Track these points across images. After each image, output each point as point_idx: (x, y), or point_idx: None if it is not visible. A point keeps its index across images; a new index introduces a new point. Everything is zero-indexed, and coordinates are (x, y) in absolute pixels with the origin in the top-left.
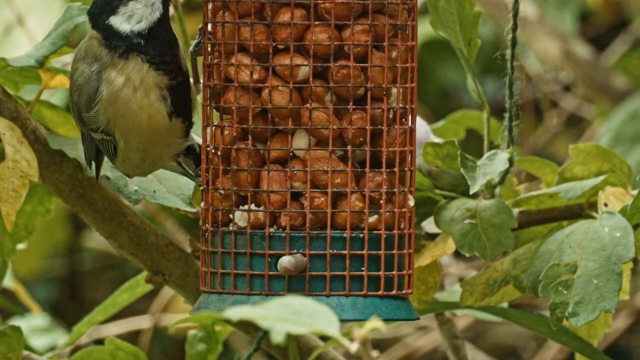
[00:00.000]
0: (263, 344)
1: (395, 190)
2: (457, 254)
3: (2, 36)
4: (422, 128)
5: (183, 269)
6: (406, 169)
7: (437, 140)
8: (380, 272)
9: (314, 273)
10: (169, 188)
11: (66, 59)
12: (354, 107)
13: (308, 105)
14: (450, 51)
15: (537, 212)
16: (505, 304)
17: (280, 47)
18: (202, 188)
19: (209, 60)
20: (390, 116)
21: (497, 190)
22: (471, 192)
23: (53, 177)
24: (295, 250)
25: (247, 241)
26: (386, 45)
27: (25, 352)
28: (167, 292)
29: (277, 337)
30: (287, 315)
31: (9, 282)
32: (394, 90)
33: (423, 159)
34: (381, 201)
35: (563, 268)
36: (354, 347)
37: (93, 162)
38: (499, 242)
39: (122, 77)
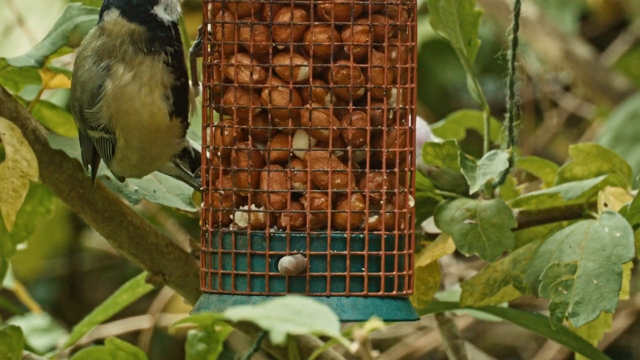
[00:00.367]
0: (263, 344)
1: (395, 190)
2: (457, 254)
3: (2, 36)
4: (422, 128)
5: (183, 269)
6: (406, 169)
7: (437, 140)
8: (380, 273)
9: (314, 273)
10: (169, 188)
11: (66, 59)
12: (353, 107)
13: (308, 105)
14: (450, 51)
15: (537, 212)
16: (505, 304)
17: (280, 47)
18: (202, 189)
19: (209, 60)
20: (390, 117)
21: (497, 190)
22: (471, 192)
23: (53, 177)
24: (295, 251)
25: (247, 242)
26: (386, 46)
27: (25, 352)
28: (167, 292)
29: (277, 337)
30: (287, 315)
31: (9, 282)
32: (394, 91)
33: (423, 159)
34: (381, 202)
35: (563, 268)
36: (354, 347)
37: (90, 165)
38: (499, 242)
39: (131, 73)
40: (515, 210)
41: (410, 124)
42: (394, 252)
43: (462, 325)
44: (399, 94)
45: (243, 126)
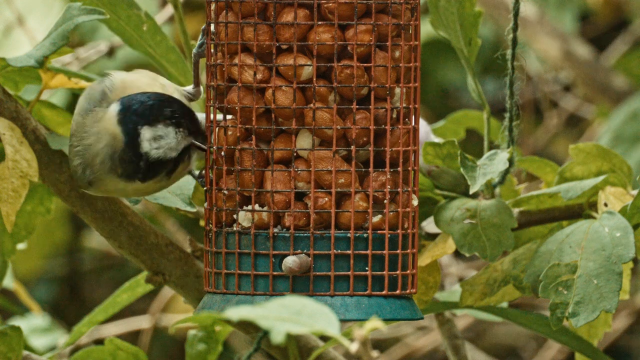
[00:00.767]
0: (263, 344)
1: (399, 190)
2: (457, 254)
3: (2, 36)
4: (422, 128)
5: (183, 269)
6: (410, 168)
7: (437, 140)
8: (384, 272)
9: (318, 273)
10: (169, 188)
11: (66, 59)
12: (357, 107)
13: (312, 105)
14: (450, 51)
15: (537, 212)
16: (505, 304)
17: (284, 47)
18: (205, 188)
19: (212, 60)
20: (394, 116)
21: (497, 190)
22: (471, 192)
23: (53, 177)
24: (299, 251)
25: (251, 241)
26: (389, 45)
27: (25, 352)
28: (167, 292)
29: (277, 337)
30: (287, 315)
31: (9, 282)
32: (398, 90)
33: (423, 158)
34: (385, 201)
35: (563, 268)
36: (354, 347)
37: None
38: (499, 242)
39: (119, 186)
40: (515, 210)
41: (413, 123)
42: (398, 251)
43: (462, 325)
44: (403, 93)
45: (247, 126)
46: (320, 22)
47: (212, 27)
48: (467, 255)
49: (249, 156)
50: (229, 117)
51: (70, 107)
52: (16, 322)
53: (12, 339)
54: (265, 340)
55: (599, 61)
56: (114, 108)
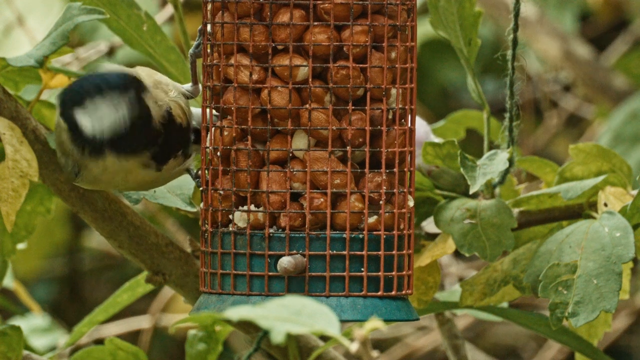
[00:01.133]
0: (263, 344)
1: (394, 190)
2: (457, 254)
3: (2, 36)
4: (422, 128)
5: (183, 269)
6: (406, 169)
7: (437, 140)
8: (379, 273)
9: (313, 274)
10: (169, 188)
11: (66, 59)
12: (353, 107)
13: (307, 105)
14: (450, 51)
15: (537, 212)
16: (505, 304)
17: (280, 47)
18: (201, 189)
19: (209, 61)
20: (390, 117)
21: (497, 190)
22: (471, 192)
23: (53, 176)
24: (294, 251)
25: (246, 242)
26: (385, 46)
27: (26, 352)
28: (167, 292)
29: (277, 337)
30: (287, 315)
31: (9, 282)
32: (394, 91)
33: (423, 158)
34: (381, 202)
35: (563, 268)
36: (354, 347)
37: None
38: (498, 242)
39: (99, 168)
40: (515, 210)
41: (409, 124)
42: (393, 252)
43: (462, 325)
44: (399, 94)
45: (242, 126)
46: (316, 23)
47: (209, 27)
48: (467, 255)
49: (245, 156)
50: (224, 117)
51: None
52: (16, 322)
53: (12, 339)
54: (265, 340)
55: (599, 61)
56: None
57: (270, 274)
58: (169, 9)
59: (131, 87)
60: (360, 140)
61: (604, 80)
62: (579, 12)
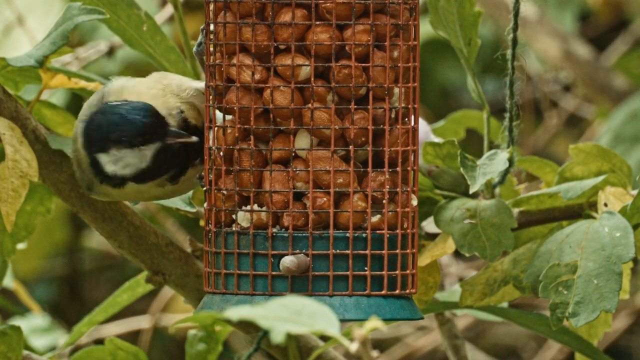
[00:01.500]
0: (263, 344)
1: (397, 190)
2: (457, 254)
3: (2, 36)
4: (422, 128)
5: (183, 269)
6: (409, 168)
7: (437, 140)
8: (383, 272)
9: (316, 273)
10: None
11: (66, 59)
12: (355, 107)
13: (310, 105)
14: (450, 51)
15: (537, 212)
16: (505, 304)
17: (282, 47)
18: (205, 189)
19: (211, 60)
20: (393, 116)
21: (497, 190)
22: (471, 191)
23: (53, 176)
24: (297, 251)
25: (249, 241)
26: (387, 45)
27: (25, 352)
28: (167, 292)
29: (277, 337)
30: (287, 315)
31: (9, 282)
32: (396, 90)
33: (423, 158)
34: (384, 201)
35: (563, 268)
36: (354, 347)
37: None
38: (498, 242)
39: (117, 192)
40: (515, 210)
41: (412, 123)
42: (397, 251)
43: (462, 325)
44: (401, 93)
45: (245, 126)
46: (318, 22)
47: (211, 27)
48: (467, 255)
49: (248, 156)
50: (227, 117)
51: (70, 107)
52: (16, 322)
53: (12, 339)
54: (265, 340)
55: (599, 61)
56: (80, 127)
57: (274, 273)
58: (169, 9)
59: (155, 131)
60: (363, 139)
61: (604, 80)
62: (579, 12)
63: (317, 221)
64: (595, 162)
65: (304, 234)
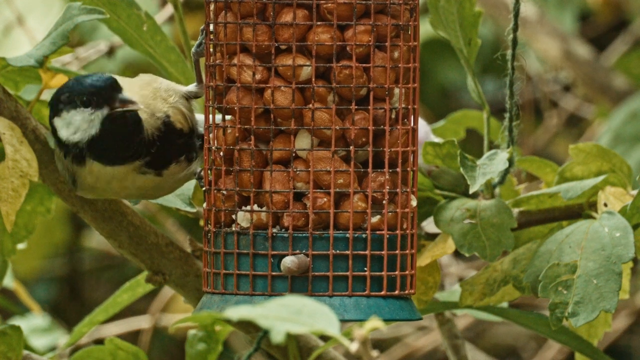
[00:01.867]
0: (263, 344)
1: (397, 190)
2: (457, 254)
3: (2, 36)
4: (422, 128)
5: (183, 268)
6: (408, 169)
7: (437, 140)
8: (383, 273)
9: (316, 273)
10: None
11: (66, 59)
12: (356, 107)
13: (310, 105)
14: (450, 51)
15: (537, 212)
16: (505, 304)
17: (283, 47)
18: (204, 189)
19: (211, 61)
20: (393, 116)
21: (497, 190)
22: (471, 191)
23: (53, 176)
24: (298, 251)
25: (249, 242)
26: (388, 46)
27: (26, 352)
28: (167, 292)
29: (277, 337)
30: (287, 315)
31: (9, 282)
32: (397, 91)
33: (423, 158)
34: (384, 201)
35: (563, 268)
36: (354, 347)
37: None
38: (498, 242)
39: (91, 176)
40: (515, 210)
41: (412, 124)
42: (397, 251)
43: (462, 325)
44: (402, 94)
45: (245, 126)
46: (319, 23)
47: (211, 27)
48: (467, 255)
49: (248, 156)
50: (227, 117)
51: None
52: (16, 322)
53: (12, 339)
54: (265, 340)
55: (599, 61)
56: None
57: (274, 273)
58: (169, 9)
59: (101, 93)
60: (364, 139)
61: (604, 80)
62: (579, 12)
63: (317, 221)
64: (595, 162)
65: (304, 235)
